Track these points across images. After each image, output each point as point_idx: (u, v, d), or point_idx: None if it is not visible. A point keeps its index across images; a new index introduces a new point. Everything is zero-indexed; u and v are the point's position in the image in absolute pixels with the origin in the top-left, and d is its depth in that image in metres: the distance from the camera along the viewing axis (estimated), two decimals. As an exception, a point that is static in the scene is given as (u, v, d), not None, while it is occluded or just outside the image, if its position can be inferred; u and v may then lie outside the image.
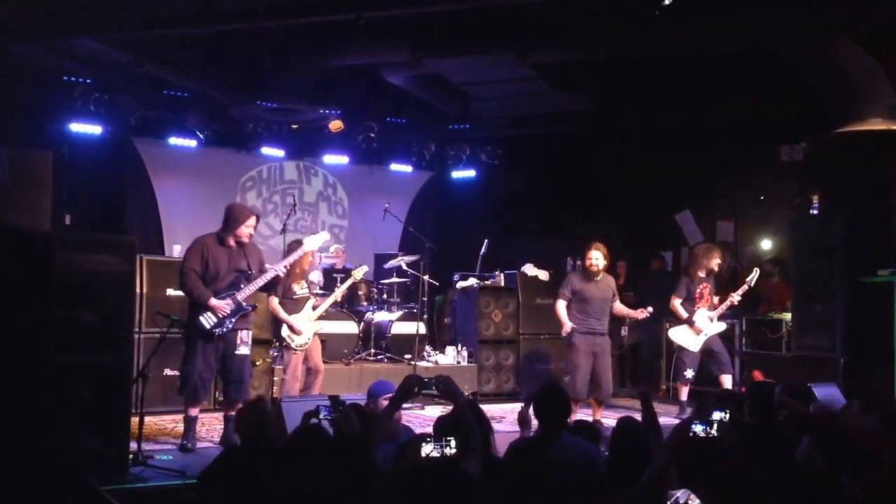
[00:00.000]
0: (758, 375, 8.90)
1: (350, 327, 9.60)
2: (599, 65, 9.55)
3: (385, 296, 10.30)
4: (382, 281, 10.42)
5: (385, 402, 4.75)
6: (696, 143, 11.04)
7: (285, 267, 7.02)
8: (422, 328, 9.70)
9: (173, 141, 10.91)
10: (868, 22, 7.68)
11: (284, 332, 7.63)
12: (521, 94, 10.40)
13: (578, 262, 8.55)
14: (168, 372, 7.90)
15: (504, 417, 8.33)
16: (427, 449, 3.26)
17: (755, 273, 8.80)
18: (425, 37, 8.65)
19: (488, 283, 10.25)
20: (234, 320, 6.61)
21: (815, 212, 9.49)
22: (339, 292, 8.41)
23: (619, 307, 8.45)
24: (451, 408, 4.14)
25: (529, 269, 10.24)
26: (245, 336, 6.73)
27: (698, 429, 3.60)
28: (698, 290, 8.86)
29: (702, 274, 8.91)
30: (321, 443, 3.78)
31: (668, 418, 7.98)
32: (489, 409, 6.88)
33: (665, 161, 11.33)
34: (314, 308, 7.84)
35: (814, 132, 9.23)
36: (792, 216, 9.77)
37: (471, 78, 9.95)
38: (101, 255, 5.76)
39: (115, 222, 10.76)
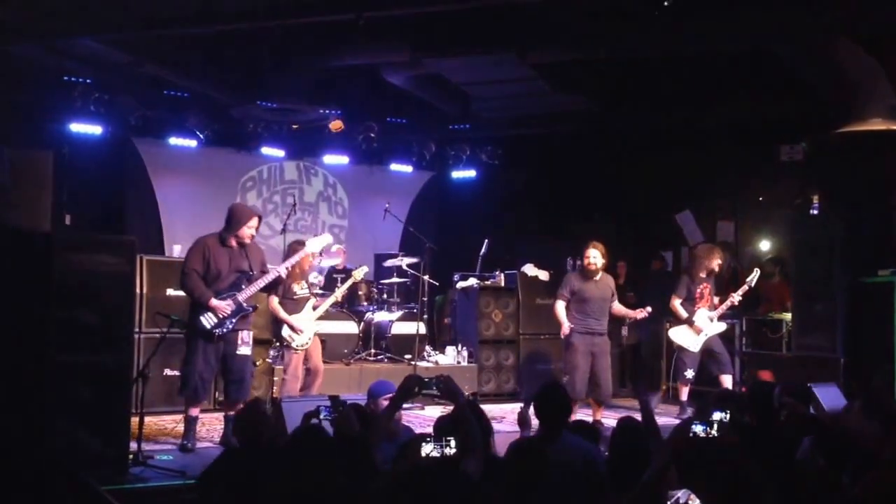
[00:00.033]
0: (766, 376, 8.86)
1: (350, 327, 9.60)
2: (599, 65, 9.55)
3: (385, 296, 10.30)
4: (382, 281, 10.42)
5: (385, 403, 4.75)
6: (696, 143, 11.04)
7: (287, 268, 7.02)
8: (422, 328, 9.70)
9: (173, 141, 10.90)
10: (868, 22, 7.68)
11: (285, 332, 7.63)
12: (521, 94, 10.41)
13: (578, 262, 8.55)
14: (168, 372, 7.90)
15: (504, 417, 8.33)
16: (427, 449, 3.26)
17: (756, 273, 8.80)
18: (425, 37, 8.65)
19: (488, 283, 10.25)
20: (234, 321, 6.61)
21: (816, 212, 9.49)
22: (340, 292, 8.41)
23: (618, 307, 8.45)
24: (451, 408, 4.14)
25: (529, 269, 10.25)
26: (246, 336, 6.73)
27: (698, 429, 3.60)
28: (698, 290, 8.86)
29: (702, 274, 8.91)
30: (321, 443, 3.78)
31: (668, 418, 7.99)
32: (489, 409, 6.87)
33: (665, 161, 11.32)
34: (314, 308, 7.85)
35: (814, 132, 9.23)
36: (792, 216, 9.76)
37: (471, 78, 9.96)
38: (101, 255, 5.76)
39: (115, 222, 10.75)
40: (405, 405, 5.12)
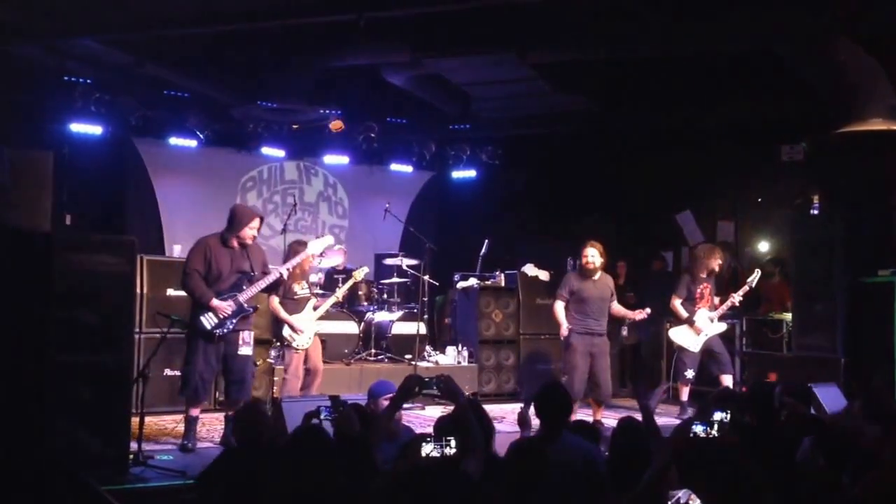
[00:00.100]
0: (774, 378, 8.84)
1: (350, 327, 9.60)
2: (599, 65, 9.55)
3: (385, 296, 10.30)
4: (383, 281, 10.42)
5: (385, 403, 4.75)
6: (696, 143, 11.04)
7: (288, 269, 7.02)
8: (422, 328, 9.70)
9: (173, 141, 10.90)
10: (868, 22, 7.68)
11: (286, 332, 7.64)
12: (522, 95, 10.41)
13: (578, 262, 8.55)
14: (168, 372, 7.90)
15: (504, 417, 8.33)
16: (427, 449, 3.26)
17: (756, 274, 8.80)
18: (425, 37, 8.64)
19: (489, 283, 10.25)
20: (234, 321, 6.61)
21: (816, 212, 9.48)
22: (341, 293, 8.41)
23: (617, 308, 8.44)
24: (451, 408, 4.14)
25: (530, 270, 10.25)
26: (247, 337, 6.73)
27: (699, 429, 3.60)
28: (699, 291, 8.86)
29: (703, 274, 8.91)
30: (321, 443, 3.78)
31: (668, 418, 7.99)
32: (489, 409, 6.80)
33: (665, 161, 11.32)
34: (315, 308, 7.85)
35: (814, 132, 9.22)
36: (792, 216, 9.76)
37: (471, 78, 9.96)
38: (101, 255, 5.76)
39: (115, 222, 10.75)
40: (405, 405, 5.12)
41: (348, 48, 8.86)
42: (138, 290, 7.50)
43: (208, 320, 6.53)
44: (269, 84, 9.75)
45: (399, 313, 10.02)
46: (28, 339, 5.45)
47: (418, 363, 9.24)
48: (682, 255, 11.58)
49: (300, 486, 3.32)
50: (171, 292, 8.07)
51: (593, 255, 8.16)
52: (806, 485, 3.91)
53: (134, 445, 5.91)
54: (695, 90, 10.15)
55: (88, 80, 9.72)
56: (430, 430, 4.33)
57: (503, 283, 10.28)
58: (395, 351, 9.76)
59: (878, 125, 8.12)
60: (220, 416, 7.21)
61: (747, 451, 3.91)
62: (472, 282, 10.23)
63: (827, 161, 9.25)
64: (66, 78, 9.62)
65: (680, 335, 8.85)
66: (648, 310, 8.48)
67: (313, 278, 8.49)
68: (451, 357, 9.93)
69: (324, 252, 7.97)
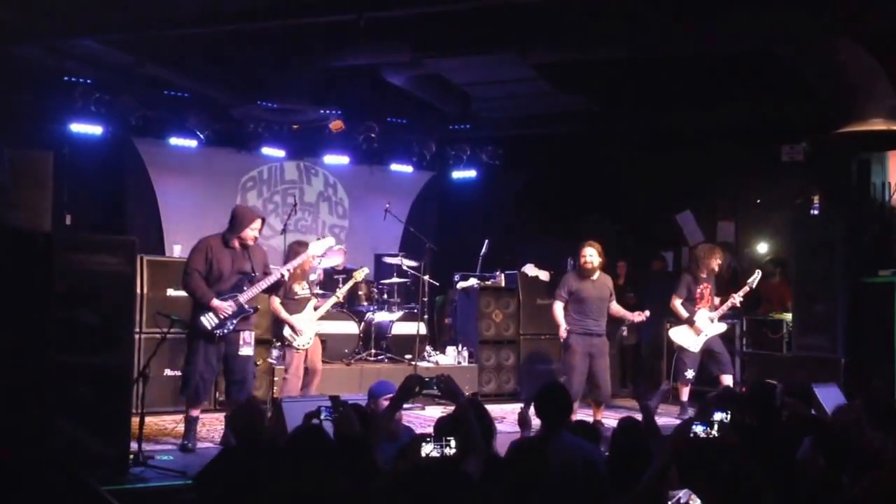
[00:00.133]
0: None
1: (350, 327, 9.60)
2: (599, 65, 9.54)
3: (385, 296, 10.30)
4: (383, 281, 10.42)
5: (386, 403, 4.75)
6: (696, 143, 11.04)
7: (289, 270, 7.02)
8: (422, 328, 9.70)
9: (174, 141, 10.90)
10: (868, 22, 7.67)
11: (287, 332, 7.64)
12: (522, 95, 10.41)
13: (577, 263, 8.54)
14: (169, 372, 7.90)
15: (504, 418, 8.32)
16: (427, 449, 3.26)
17: (757, 274, 8.79)
18: (425, 37, 8.64)
19: (489, 283, 10.25)
20: (235, 322, 6.61)
21: (816, 212, 9.48)
22: (341, 293, 8.41)
23: (616, 308, 8.43)
24: (451, 408, 4.14)
25: (530, 270, 10.24)
26: (248, 337, 6.74)
27: (699, 429, 3.60)
28: (699, 291, 8.86)
29: (703, 274, 8.91)
30: (321, 443, 3.78)
31: (668, 418, 7.99)
32: (489, 409, 6.84)
33: (665, 161, 11.31)
34: (315, 308, 7.85)
35: (814, 132, 9.22)
36: (793, 216, 9.76)
37: (471, 78, 9.95)
38: (101, 255, 5.76)
39: (115, 222, 10.75)
40: (405, 405, 5.12)
41: (348, 48, 8.86)
42: (138, 290, 7.50)
43: (209, 320, 6.53)
44: (269, 84, 9.76)
45: (399, 313, 10.01)
46: (28, 339, 5.45)
47: (418, 363, 9.23)
48: (682, 256, 11.57)
49: (300, 486, 3.32)
50: (171, 292, 8.08)
51: (591, 255, 8.15)
52: (806, 485, 3.91)
53: (134, 445, 5.91)
54: (695, 90, 10.15)
55: (88, 80, 9.72)
56: (430, 430, 4.33)
57: (503, 284, 10.28)
58: (396, 351, 9.76)
59: (878, 125, 8.11)
60: (221, 416, 7.22)
61: (747, 451, 3.91)
62: (473, 282, 10.22)
63: (827, 161, 9.24)
64: (66, 78, 9.62)
65: (680, 335, 8.85)
66: (647, 312, 8.48)
67: (312, 277, 8.48)
68: (451, 357, 9.93)
69: (325, 253, 7.97)
